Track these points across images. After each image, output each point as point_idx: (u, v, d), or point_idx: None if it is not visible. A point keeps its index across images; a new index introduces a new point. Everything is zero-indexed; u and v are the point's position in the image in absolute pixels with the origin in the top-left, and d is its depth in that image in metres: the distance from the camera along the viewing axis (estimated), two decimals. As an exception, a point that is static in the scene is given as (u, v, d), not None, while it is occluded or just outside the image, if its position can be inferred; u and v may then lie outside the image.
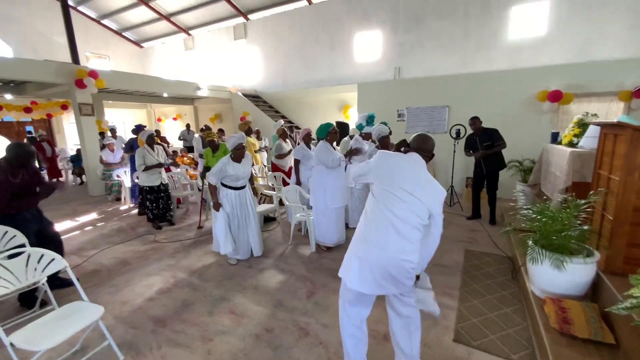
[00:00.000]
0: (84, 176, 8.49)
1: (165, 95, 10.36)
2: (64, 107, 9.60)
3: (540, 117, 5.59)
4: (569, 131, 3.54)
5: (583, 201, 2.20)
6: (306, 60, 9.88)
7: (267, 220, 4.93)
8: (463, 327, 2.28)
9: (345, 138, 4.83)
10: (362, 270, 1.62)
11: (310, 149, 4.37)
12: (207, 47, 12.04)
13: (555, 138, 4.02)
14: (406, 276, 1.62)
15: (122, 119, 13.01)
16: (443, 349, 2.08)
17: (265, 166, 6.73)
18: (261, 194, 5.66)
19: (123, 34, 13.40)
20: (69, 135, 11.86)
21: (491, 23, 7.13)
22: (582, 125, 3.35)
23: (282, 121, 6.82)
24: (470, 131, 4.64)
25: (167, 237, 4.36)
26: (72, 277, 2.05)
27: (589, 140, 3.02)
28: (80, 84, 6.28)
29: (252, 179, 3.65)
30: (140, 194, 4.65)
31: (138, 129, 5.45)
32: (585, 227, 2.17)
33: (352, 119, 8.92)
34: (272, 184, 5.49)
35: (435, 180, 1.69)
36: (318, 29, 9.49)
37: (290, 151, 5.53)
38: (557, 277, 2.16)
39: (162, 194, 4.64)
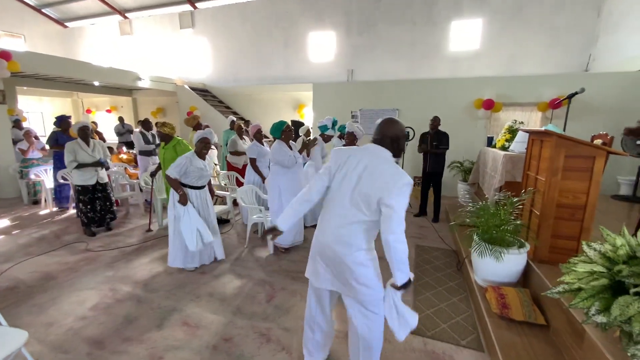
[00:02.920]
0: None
1: (96, 83, 9.20)
2: (-39, 91, 7.94)
3: (477, 123, 6.21)
4: (501, 136, 3.98)
5: (517, 199, 2.48)
6: (259, 56, 9.59)
7: (220, 222, 4.65)
8: (419, 320, 2.41)
9: (300, 138, 4.82)
10: (312, 258, 1.72)
11: (263, 145, 4.29)
12: (147, 34, 10.97)
13: (490, 142, 4.50)
14: (350, 273, 1.54)
15: (41, 109, 11.23)
16: (401, 342, 2.17)
17: (216, 165, 6.37)
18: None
19: (42, 10, 11.55)
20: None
21: (435, 34, 7.72)
22: (512, 131, 3.80)
23: (233, 117, 6.53)
24: (427, 129, 4.85)
25: (102, 244, 3.86)
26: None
27: (518, 144, 3.43)
28: (-16, 65, 5.25)
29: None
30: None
31: (61, 120, 4.74)
32: (518, 222, 2.46)
33: (307, 118, 8.93)
34: (225, 184, 5.21)
35: (397, 170, 1.53)
36: (271, 25, 9.28)
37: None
38: (497, 267, 2.41)
39: (99, 194, 4.10)
